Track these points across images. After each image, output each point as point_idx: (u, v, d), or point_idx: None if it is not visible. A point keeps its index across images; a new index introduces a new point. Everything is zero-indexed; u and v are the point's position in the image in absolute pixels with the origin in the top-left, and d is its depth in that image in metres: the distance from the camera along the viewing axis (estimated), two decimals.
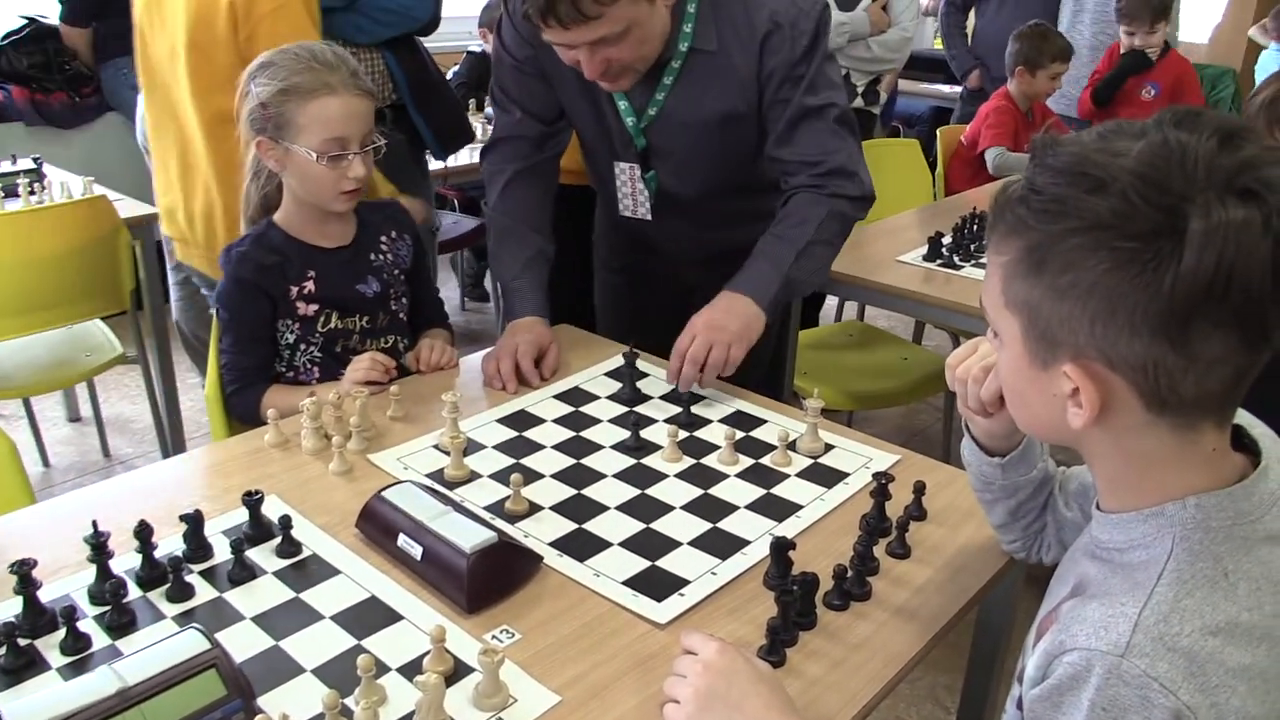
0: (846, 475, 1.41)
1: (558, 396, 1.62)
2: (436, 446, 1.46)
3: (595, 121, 1.84)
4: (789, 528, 1.28)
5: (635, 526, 1.27)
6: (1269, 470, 0.81)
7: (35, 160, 3.02)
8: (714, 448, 1.46)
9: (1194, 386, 0.74)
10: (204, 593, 1.13)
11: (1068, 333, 0.76)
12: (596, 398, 1.62)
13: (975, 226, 2.62)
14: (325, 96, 1.56)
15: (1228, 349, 0.73)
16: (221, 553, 1.19)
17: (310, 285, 1.66)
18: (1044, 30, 3.62)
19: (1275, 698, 0.75)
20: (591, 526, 1.27)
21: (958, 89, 5.49)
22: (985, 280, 0.85)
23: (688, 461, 1.43)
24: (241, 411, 1.66)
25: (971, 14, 4.78)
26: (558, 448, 1.47)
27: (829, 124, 1.70)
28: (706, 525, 1.28)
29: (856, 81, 3.32)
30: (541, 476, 1.39)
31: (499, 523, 1.23)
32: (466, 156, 3.35)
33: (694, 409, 1.57)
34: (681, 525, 1.28)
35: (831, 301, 3.88)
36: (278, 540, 1.21)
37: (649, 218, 1.93)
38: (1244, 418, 0.85)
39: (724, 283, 1.68)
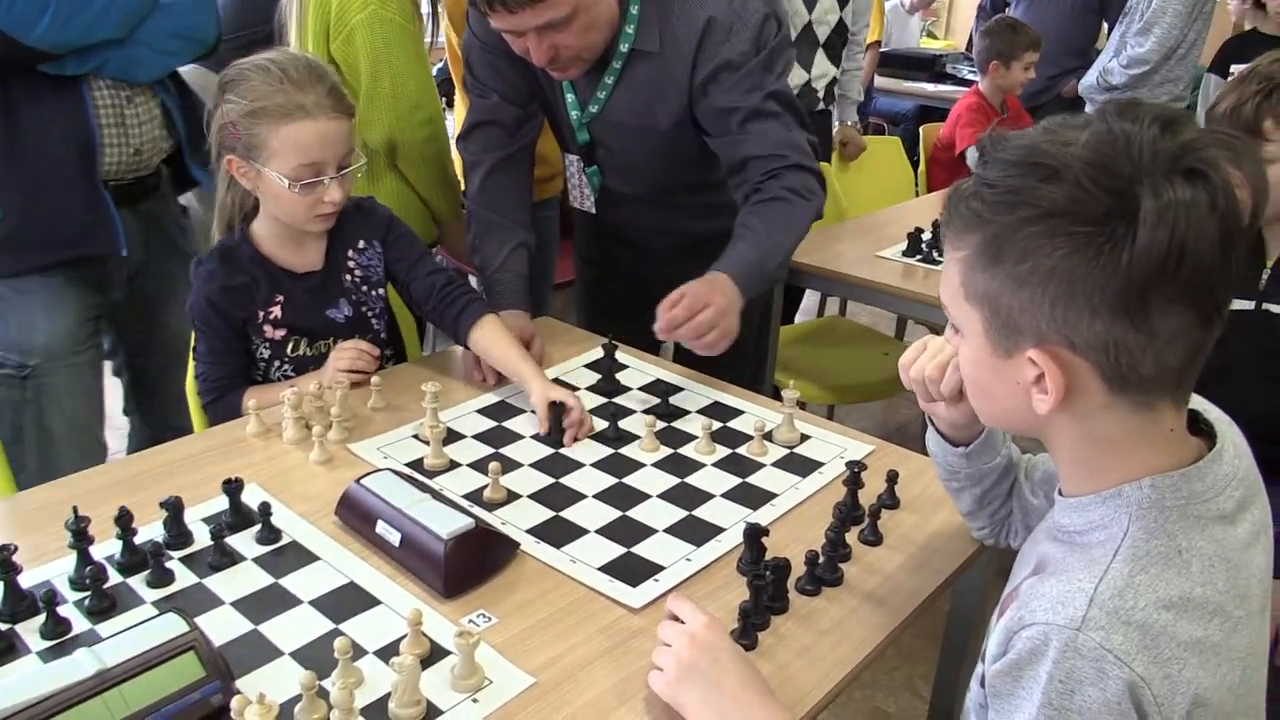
0: (821, 465, 1.43)
1: None
2: (416, 436, 1.47)
3: (551, 110, 1.87)
4: (764, 515, 1.29)
5: (612, 514, 1.29)
6: (1223, 453, 0.83)
7: None
8: (691, 438, 1.48)
9: (1153, 363, 0.77)
10: (184, 578, 1.15)
11: (1029, 319, 0.79)
12: (576, 389, 1.64)
13: None
14: (300, 120, 1.47)
15: (1183, 323, 0.76)
16: (201, 539, 1.21)
17: (277, 311, 1.61)
18: (1011, 23, 3.68)
19: (1225, 670, 0.77)
20: (569, 514, 1.29)
21: (942, 88, 5.54)
22: (943, 276, 0.88)
23: (665, 451, 1.45)
24: (221, 420, 1.59)
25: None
26: (536, 437, 1.48)
27: (779, 118, 1.68)
28: (682, 513, 1.30)
29: (816, 86, 3.30)
30: (520, 465, 1.40)
31: (477, 510, 1.25)
32: None
33: (672, 400, 1.58)
34: (658, 513, 1.30)
35: (813, 298, 3.91)
36: (257, 527, 1.22)
37: (593, 210, 1.97)
38: (1199, 403, 0.88)
39: (693, 278, 1.66)
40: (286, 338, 1.63)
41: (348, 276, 1.67)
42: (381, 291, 1.72)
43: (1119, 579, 0.77)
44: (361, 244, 1.69)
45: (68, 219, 1.78)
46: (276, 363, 1.66)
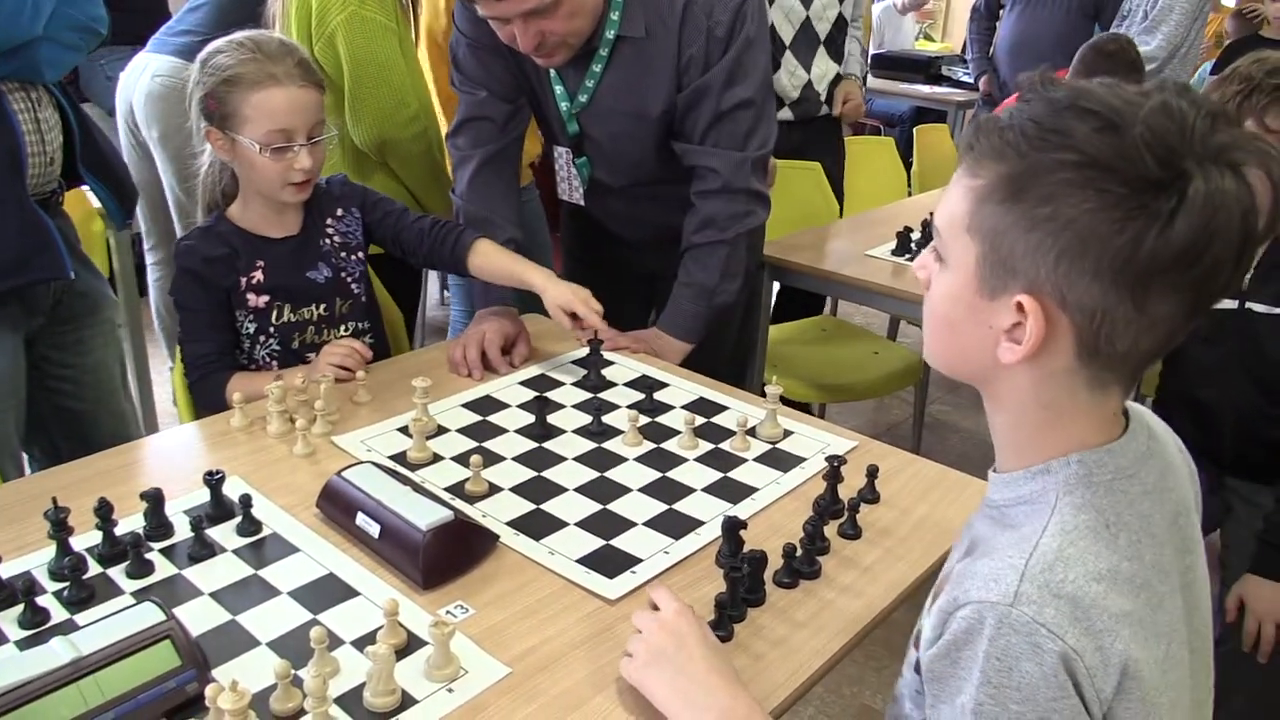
0: (803, 460, 1.43)
1: (523, 382, 1.65)
2: (401, 429, 1.47)
3: (539, 104, 1.88)
4: (744, 509, 1.30)
5: (592, 507, 1.30)
6: (1136, 431, 0.84)
7: None
8: (675, 433, 1.48)
9: (1129, 342, 0.76)
10: (163, 569, 1.15)
11: (1028, 264, 0.76)
12: (561, 384, 1.64)
13: None
14: (270, 88, 1.55)
15: (1174, 311, 0.75)
16: (182, 531, 1.21)
17: (259, 275, 1.65)
18: (1120, 44, 3.12)
19: (1153, 644, 0.77)
20: (549, 507, 1.29)
21: (937, 89, 5.55)
22: (944, 202, 0.84)
23: (648, 446, 1.45)
24: (207, 400, 1.62)
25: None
26: (520, 431, 1.49)
27: (741, 126, 1.75)
28: (662, 506, 1.30)
29: (819, 89, 3.24)
30: (503, 459, 1.41)
31: (458, 503, 1.25)
32: None
33: (656, 395, 1.59)
34: (638, 506, 1.30)
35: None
36: (238, 519, 1.23)
37: (582, 202, 1.98)
38: None
39: (678, 270, 1.76)
40: (269, 305, 1.66)
41: (326, 241, 1.73)
42: (361, 256, 1.77)
43: (1049, 553, 0.77)
44: (340, 212, 1.76)
45: (3, 242, 1.57)
46: (262, 337, 1.67)
